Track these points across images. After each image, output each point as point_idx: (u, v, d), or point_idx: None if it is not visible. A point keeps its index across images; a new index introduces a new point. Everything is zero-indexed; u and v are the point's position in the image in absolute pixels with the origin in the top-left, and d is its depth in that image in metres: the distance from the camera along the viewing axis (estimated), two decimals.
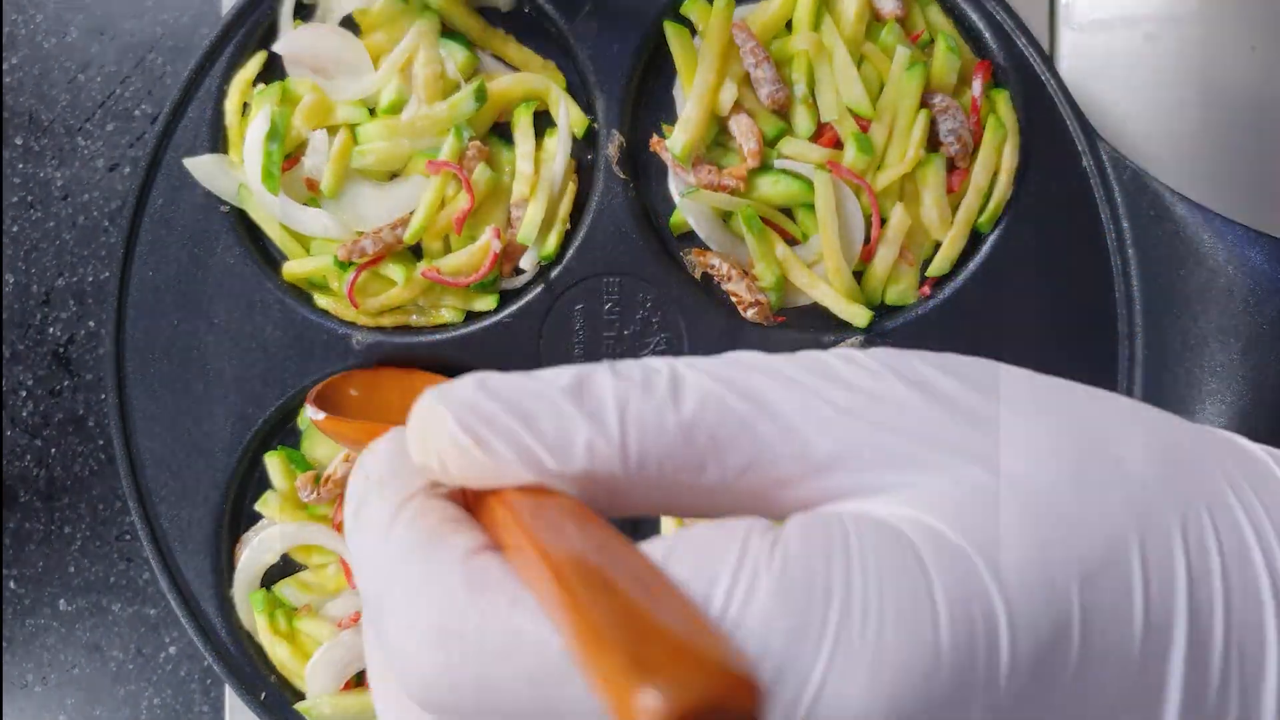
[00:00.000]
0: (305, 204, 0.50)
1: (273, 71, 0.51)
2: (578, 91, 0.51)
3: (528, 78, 0.50)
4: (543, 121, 0.51)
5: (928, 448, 0.21)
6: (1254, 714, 0.21)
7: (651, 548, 0.21)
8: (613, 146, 0.50)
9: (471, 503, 0.23)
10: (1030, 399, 0.23)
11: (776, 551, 0.20)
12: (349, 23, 0.51)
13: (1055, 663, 0.20)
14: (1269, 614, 0.22)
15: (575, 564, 0.19)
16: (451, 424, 0.22)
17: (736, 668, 0.17)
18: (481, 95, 0.49)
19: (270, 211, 0.50)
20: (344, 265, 0.49)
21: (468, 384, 0.22)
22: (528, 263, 0.50)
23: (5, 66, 0.60)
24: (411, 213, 0.50)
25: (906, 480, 0.21)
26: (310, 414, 0.43)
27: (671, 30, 0.50)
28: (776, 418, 0.22)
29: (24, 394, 0.60)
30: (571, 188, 0.50)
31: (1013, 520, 0.21)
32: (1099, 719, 0.21)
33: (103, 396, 0.59)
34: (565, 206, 0.50)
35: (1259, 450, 0.25)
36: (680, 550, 0.20)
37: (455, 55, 0.50)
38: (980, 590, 0.20)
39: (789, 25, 0.50)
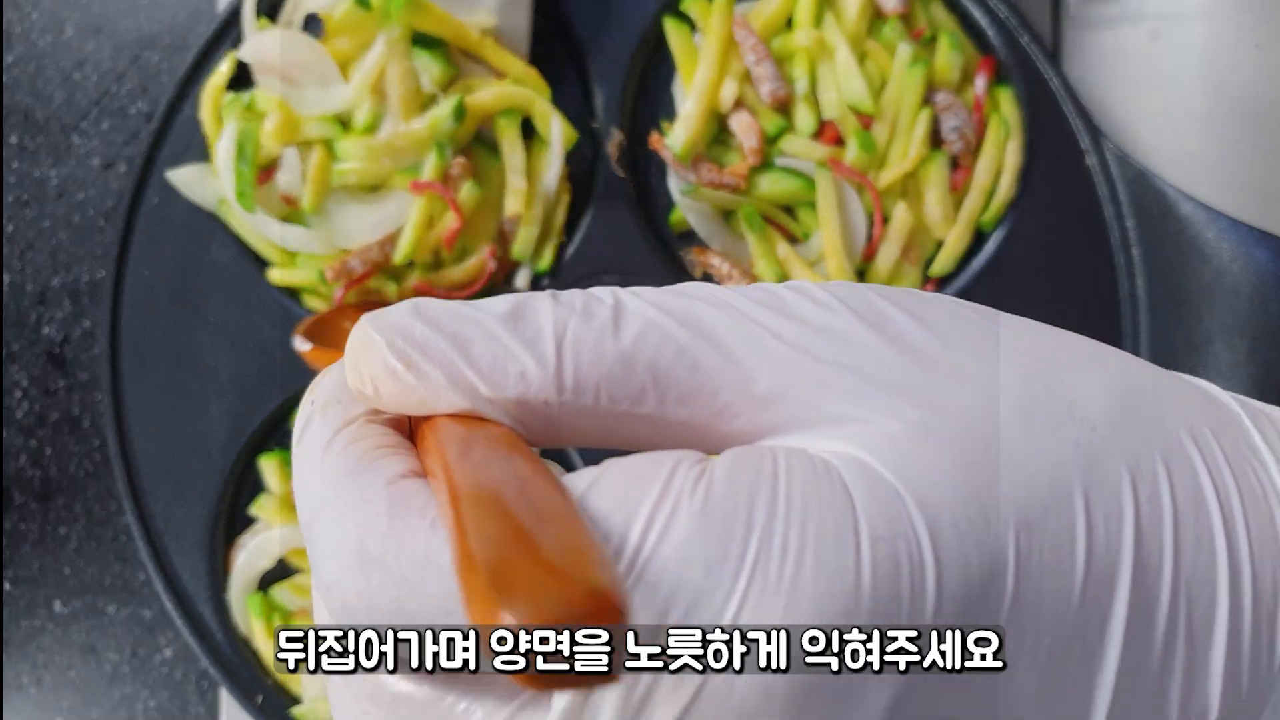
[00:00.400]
0: (285, 218, 0.49)
1: (249, 74, 0.51)
2: (576, 89, 0.51)
3: (510, 90, 0.48)
4: (529, 125, 0.50)
5: (871, 385, 0.21)
6: (1200, 669, 0.21)
7: (577, 479, 0.20)
8: (612, 144, 0.49)
9: (415, 429, 0.23)
10: (984, 336, 0.22)
11: (701, 483, 0.19)
12: (316, 21, 0.50)
13: (986, 605, 0.20)
14: (1221, 569, 0.21)
15: (473, 489, 0.19)
16: (384, 348, 0.21)
17: (604, 586, 0.17)
18: (460, 113, 0.47)
19: (251, 227, 0.49)
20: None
21: (402, 308, 0.22)
22: (523, 280, 0.49)
23: (0, 64, 0.60)
24: (399, 229, 0.48)
25: (847, 416, 0.21)
26: (297, 344, 0.42)
27: (671, 26, 0.50)
28: (719, 348, 0.21)
29: (19, 394, 0.59)
30: (565, 198, 0.49)
31: (949, 459, 0.20)
32: (1033, 665, 0.20)
33: (98, 396, 0.58)
34: (560, 218, 0.49)
35: (1229, 398, 0.24)
36: (604, 482, 0.20)
37: (430, 69, 0.48)
38: (907, 530, 0.19)
39: (790, 22, 0.50)
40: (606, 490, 0.20)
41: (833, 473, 0.20)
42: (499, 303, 0.22)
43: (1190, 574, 0.21)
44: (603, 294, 0.22)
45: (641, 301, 0.21)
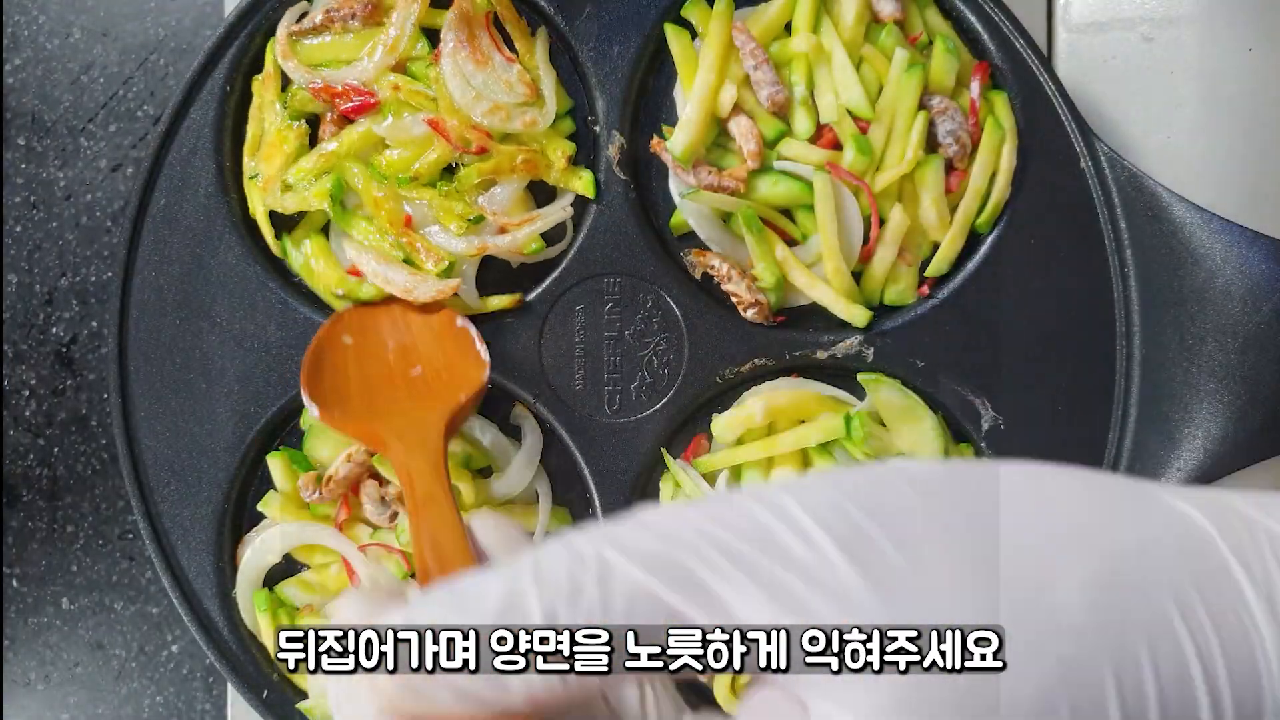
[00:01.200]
0: None
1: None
2: (579, 94, 0.51)
3: None
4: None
5: (851, 644, 0.22)
6: None
7: None
8: (613, 148, 0.50)
9: None
10: (964, 543, 0.22)
11: None
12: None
13: None
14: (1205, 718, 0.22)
15: None
16: (386, 703, 0.23)
17: None
18: None
19: None
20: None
21: (394, 681, 0.23)
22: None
23: (8, 67, 0.60)
24: None
25: (834, 680, 0.22)
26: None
27: (672, 32, 0.50)
28: (709, 605, 0.22)
29: (27, 393, 0.60)
30: None
31: (942, 714, 0.21)
32: None
33: (105, 396, 0.59)
34: None
35: (1242, 519, 0.24)
36: None
37: None
38: None
39: (788, 27, 0.50)
40: None
41: None
42: (486, 595, 0.22)
43: None
44: (587, 553, 0.22)
45: (628, 562, 0.22)
